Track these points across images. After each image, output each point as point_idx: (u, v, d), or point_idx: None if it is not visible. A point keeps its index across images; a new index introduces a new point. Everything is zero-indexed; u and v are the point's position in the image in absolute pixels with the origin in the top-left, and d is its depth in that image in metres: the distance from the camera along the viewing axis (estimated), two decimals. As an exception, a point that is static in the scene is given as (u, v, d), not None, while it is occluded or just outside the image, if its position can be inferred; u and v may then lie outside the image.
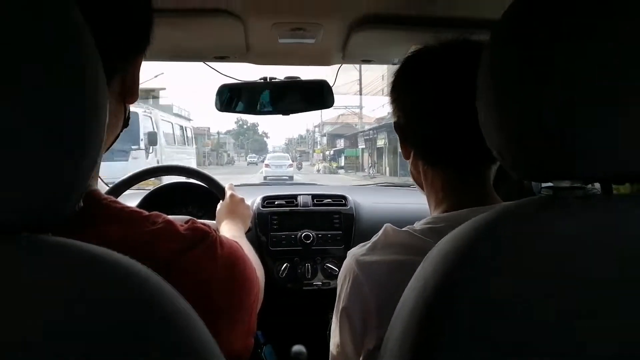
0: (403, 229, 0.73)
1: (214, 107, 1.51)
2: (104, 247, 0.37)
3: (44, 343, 0.31)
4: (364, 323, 0.70)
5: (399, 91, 0.80)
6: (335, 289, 0.76)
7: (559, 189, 0.49)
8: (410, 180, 0.94)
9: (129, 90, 0.54)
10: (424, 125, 0.76)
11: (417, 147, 0.80)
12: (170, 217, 0.51)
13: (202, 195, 1.56)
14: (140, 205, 1.58)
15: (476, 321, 0.42)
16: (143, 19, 0.52)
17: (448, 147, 0.74)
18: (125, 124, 0.58)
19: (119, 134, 0.57)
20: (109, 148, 0.56)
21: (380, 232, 0.74)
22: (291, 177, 20.64)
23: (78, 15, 0.37)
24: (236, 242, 0.57)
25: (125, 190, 1.42)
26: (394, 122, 0.82)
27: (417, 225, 0.73)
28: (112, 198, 0.51)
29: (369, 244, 0.74)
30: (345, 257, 0.77)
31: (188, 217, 0.56)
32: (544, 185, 0.56)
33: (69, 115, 0.36)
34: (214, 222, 1.15)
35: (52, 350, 0.31)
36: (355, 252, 0.75)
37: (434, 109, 0.73)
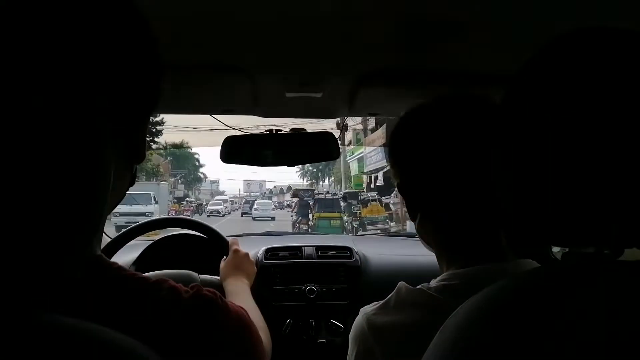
0: (417, 287, 0.70)
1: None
2: (107, 321, 0.35)
3: None
4: None
5: (399, 152, 0.78)
6: (340, 345, 0.72)
7: (583, 255, 0.46)
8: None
9: (135, 151, 0.53)
10: (431, 187, 0.73)
11: (424, 209, 0.77)
12: (172, 274, 0.50)
13: (204, 248, 1.53)
14: (140, 257, 1.55)
15: None
16: (153, 82, 0.51)
17: (460, 210, 0.72)
18: (132, 182, 0.56)
19: (124, 194, 0.56)
20: (112, 210, 0.55)
21: (394, 290, 0.71)
22: (273, 218, 25.18)
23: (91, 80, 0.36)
24: (242, 308, 0.55)
25: (126, 244, 1.39)
26: (397, 184, 0.80)
27: (433, 283, 0.71)
28: (118, 265, 0.49)
29: (381, 302, 0.71)
30: (350, 312, 0.74)
31: (190, 275, 0.53)
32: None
33: (68, 176, 0.34)
34: (218, 277, 1.12)
35: None
36: (366, 311, 0.72)
37: (439, 168, 0.71)
